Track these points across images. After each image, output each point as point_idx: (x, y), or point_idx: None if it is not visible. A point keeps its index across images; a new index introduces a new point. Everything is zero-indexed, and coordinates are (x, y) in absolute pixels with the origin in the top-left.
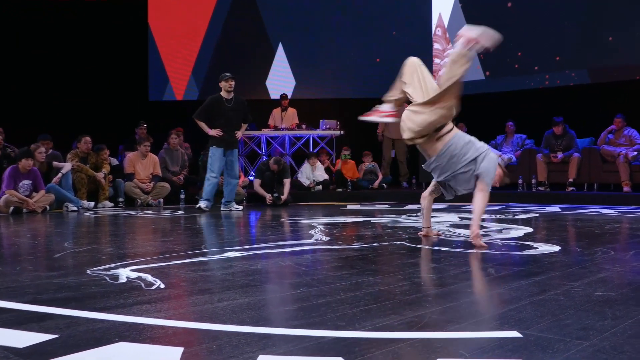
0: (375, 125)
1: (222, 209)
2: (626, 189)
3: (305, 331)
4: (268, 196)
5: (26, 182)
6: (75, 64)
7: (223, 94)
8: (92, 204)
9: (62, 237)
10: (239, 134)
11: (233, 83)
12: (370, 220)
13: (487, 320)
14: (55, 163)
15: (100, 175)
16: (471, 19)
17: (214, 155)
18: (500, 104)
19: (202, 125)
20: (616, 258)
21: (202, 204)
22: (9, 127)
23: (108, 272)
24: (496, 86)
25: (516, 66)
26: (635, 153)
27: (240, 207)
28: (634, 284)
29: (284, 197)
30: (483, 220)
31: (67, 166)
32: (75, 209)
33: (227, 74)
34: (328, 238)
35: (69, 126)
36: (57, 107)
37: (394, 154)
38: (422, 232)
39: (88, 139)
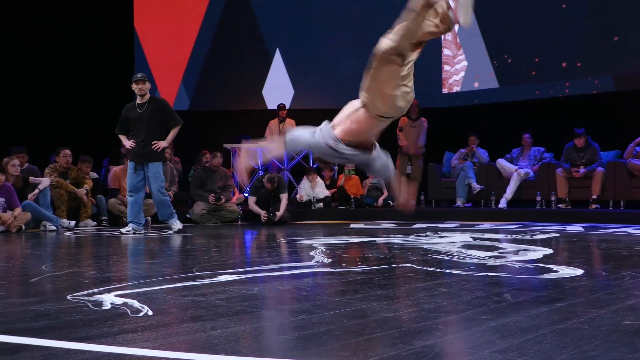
0: (381, 137)
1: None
2: None
3: None
4: (262, 213)
5: None
6: (54, 71)
7: (137, 99)
8: (73, 222)
9: (39, 260)
10: (162, 144)
11: (144, 86)
12: (375, 241)
13: (503, 351)
14: (32, 178)
15: (81, 191)
16: (484, 23)
17: (129, 171)
18: (516, 115)
19: (121, 138)
20: None
21: (127, 228)
22: None
23: (90, 298)
24: (511, 95)
25: (533, 73)
26: None
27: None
28: None
29: (279, 213)
30: (497, 240)
31: (44, 182)
32: (54, 228)
33: (138, 75)
34: (330, 260)
35: (47, 138)
36: (34, 117)
37: (410, 170)
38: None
39: (68, 152)
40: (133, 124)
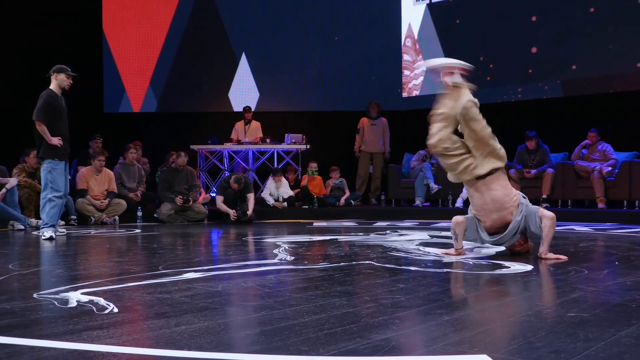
0: (344, 139)
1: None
2: (601, 205)
3: (267, 357)
4: (232, 212)
5: None
6: (23, 73)
7: (56, 90)
8: (39, 221)
9: (7, 259)
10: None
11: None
12: (337, 239)
13: (456, 343)
14: (0, 179)
15: None
16: (441, 30)
17: (57, 170)
18: None
19: (44, 130)
20: (590, 277)
21: (49, 232)
22: None
23: (57, 296)
24: None
25: (488, 78)
26: (610, 169)
27: (52, 236)
28: (607, 305)
29: (249, 212)
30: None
31: (12, 181)
32: (22, 227)
33: (69, 69)
34: (293, 258)
35: (16, 139)
36: (3, 118)
37: (372, 170)
38: (452, 252)
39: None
40: (61, 119)
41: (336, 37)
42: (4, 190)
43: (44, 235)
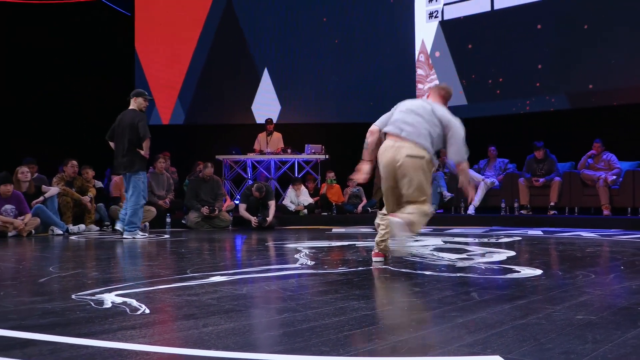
0: (360, 149)
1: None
2: (606, 212)
3: (290, 357)
4: (253, 219)
5: (9, 207)
6: (61, 88)
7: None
8: (83, 226)
9: (47, 262)
10: None
11: None
12: (355, 244)
13: (470, 345)
14: (44, 187)
15: (86, 199)
16: (453, 46)
17: (146, 180)
18: (483, 129)
19: (149, 145)
20: (597, 281)
21: (141, 233)
22: None
23: (93, 297)
24: (478, 111)
25: (498, 92)
26: (615, 177)
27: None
28: (614, 307)
29: (269, 219)
30: (466, 244)
31: (53, 190)
32: (61, 233)
33: (146, 93)
34: (313, 262)
35: (56, 150)
36: (43, 130)
37: None
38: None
39: (74, 162)
40: None
41: (353, 52)
42: (41, 198)
43: (138, 236)
